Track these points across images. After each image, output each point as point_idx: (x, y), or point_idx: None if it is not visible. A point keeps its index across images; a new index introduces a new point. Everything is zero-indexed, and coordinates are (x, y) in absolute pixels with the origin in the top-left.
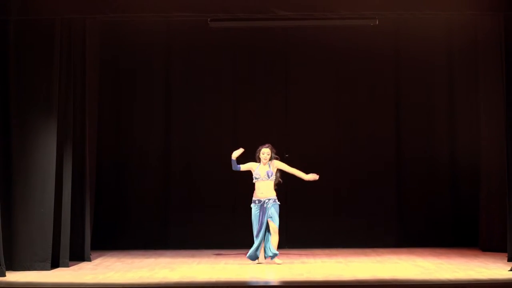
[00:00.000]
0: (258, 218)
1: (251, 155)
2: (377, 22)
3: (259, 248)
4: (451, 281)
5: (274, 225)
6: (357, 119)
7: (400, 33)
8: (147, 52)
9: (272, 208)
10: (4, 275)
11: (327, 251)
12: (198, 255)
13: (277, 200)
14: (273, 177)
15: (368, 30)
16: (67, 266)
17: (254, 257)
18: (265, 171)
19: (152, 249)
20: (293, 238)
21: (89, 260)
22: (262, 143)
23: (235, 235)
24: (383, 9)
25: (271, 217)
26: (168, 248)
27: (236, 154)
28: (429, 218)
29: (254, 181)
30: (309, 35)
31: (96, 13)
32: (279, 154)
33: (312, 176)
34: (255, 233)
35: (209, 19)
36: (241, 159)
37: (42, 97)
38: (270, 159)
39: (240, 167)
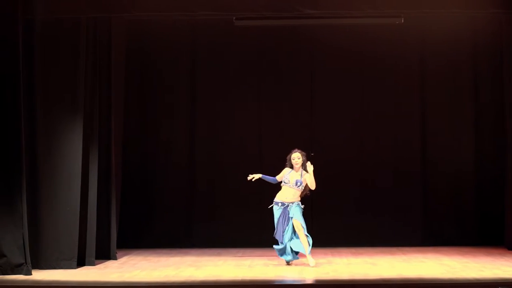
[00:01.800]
0: (279, 221)
1: (275, 155)
2: (403, 21)
3: (288, 250)
4: (477, 280)
5: (298, 223)
6: (382, 119)
7: (425, 33)
8: (172, 50)
9: (294, 208)
10: (30, 274)
11: (352, 250)
12: (224, 253)
13: (300, 204)
14: (301, 188)
15: (393, 29)
16: (93, 264)
17: (287, 259)
18: (295, 179)
19: (178, 247)
20: (319, 237)
21: (115, 258)
22: (287, 142)
23: (260, 234)
24: (408, 8)
25: (292, 217)
26: (194, 247)
27: (257, 176)
28: (454, 217)
29: (282, 184)
30: (335, 34)
31: (122, 12)
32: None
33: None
34: (279, 237)
35: (234, 18)
36: (269, 169)
37: (68, 96)
38: (303, 166)
39: (276, 179)
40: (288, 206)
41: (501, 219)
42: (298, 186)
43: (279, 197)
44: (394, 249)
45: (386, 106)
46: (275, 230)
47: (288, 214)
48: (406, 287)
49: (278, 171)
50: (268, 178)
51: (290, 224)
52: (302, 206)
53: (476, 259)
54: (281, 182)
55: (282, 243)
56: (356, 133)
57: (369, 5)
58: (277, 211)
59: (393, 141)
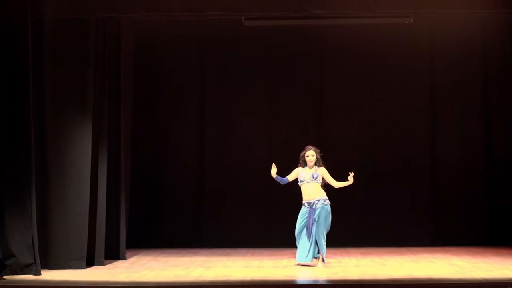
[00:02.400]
0: (305, 219)
1: (284, 155)
2: (412, 21)
3: (311, 249)
4: (486, 280)
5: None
6: (391, 118)
7: (434, 33)
8: (181, 50)
9: (321, 211)
10: (40, 274)
11: (361, 250)
12: (233, 254)
13: (327, 201)
14: (319, 180)
15: (402, 29)
16: (102, 264)
17: (307, 259)
18: (310, 173)
19: (187, 247)
20: (328, 237)
21: (124, 258)
22: (295, 142)
23: (270, 234)
24: (417, 8)
25: (317, 220)
26: (203, 247)
27: (273, 171)
28: (464, 217)
29: (299, 184)
30: (343, 34)
31: (130, 12)
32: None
33: (347, 183)
34: (301, 234)
35: (243, 18)
36: (278, 169)
37: (77, 96)
38: (317, 163)
39: (288, 179)
40: (314, 204)
41: (511, 220)
42: (315, 179)
43: (303, 198)
44: (403, 249)
45: (395, 106)
46: (306, 230)
47: (314, 212)
48: (415, 287)
49: (287, 172)
50: (280, 178)
51: (315, 225)
52: (329, 204)
53: (485, 259)
54: (295, 182)
55: (308, 239)
56: (365, 133)
57: (378, 5)
58: (303, 210)
59: (402, 141)
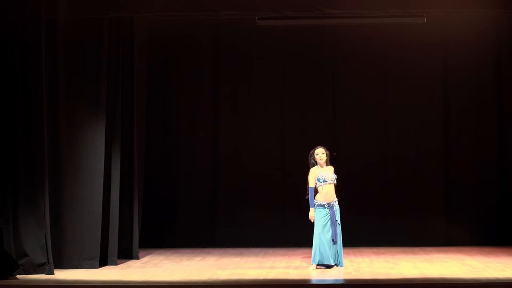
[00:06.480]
0: (329, 221)
1: (298, 154)
2: (425, 20)
3: (338, 251)
4: (499, 280)
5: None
6: (404, 118)
7: (448, 32)
8: (195, 48)
9: (338, 211)
10: (53, 273)
11: (374, 249)
12: (246, 253)
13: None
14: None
15: (416, 28)
16: (115, 264)
17: (331, 263)
18: (330, 174)
19: (200, 247)
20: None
21: (137, 258)
22: (309, 141)
23: (283, 234)
24: (431, 7)
25: (339, 223)
26: (216, 247)
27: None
28: (477, 217)
29: (321, 184)
30: (357, 34)
31: (144, 12)
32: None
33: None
34: (330, 237)
35: (257, 18)
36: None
37: (90, 96)
38: (327, 162)
39: (313, 188)
40: (333, 206)
41: None
42: (335, 181)
43: (324, 199)
44: (416, 249)
45: (408, 106)
46: (332, 232)
47: (335, 214)
48: (428, 287)
49: (299, 170)
50: (311, 195)
51: (339, 228)
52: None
53: (498, 259)
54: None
55: (336, 242)
56: (379, 132)
57: (392, 5)
58: (324, 213)
59: (415, 140)
